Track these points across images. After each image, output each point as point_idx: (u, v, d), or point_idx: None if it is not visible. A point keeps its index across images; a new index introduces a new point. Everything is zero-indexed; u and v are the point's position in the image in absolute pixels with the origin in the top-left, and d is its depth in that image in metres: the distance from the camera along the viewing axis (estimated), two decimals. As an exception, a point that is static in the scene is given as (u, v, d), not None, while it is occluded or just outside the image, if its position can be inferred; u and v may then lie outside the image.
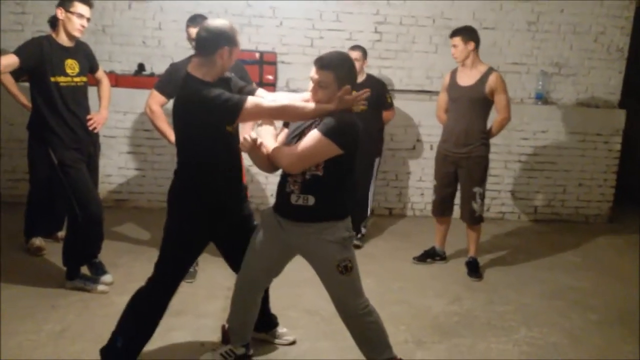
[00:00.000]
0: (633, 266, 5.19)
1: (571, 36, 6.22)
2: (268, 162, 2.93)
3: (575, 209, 6.43)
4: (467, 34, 4.58)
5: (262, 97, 3.02)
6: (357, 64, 5.00)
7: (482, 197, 4.72)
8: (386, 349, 3.09)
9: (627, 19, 6.22)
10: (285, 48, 5.99)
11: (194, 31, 3.82)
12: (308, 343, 3.59)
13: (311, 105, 2.88)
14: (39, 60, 3.87)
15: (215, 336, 3.57)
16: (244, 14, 5.89)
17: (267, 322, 3.53)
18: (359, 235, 5.26)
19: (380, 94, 5.17)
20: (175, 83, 3.99)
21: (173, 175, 3.11)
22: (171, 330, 3.61)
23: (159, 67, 5.92)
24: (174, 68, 4.28)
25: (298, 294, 4.17)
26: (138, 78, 5.77)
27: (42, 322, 3.62)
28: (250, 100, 2.84)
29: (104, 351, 3.08)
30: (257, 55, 5.86)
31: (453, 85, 4.68)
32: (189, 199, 3.03)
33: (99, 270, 4.22)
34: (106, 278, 4.19)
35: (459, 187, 4.82)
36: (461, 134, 4.59)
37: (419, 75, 6.11)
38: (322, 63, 2.82)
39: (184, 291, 4.18)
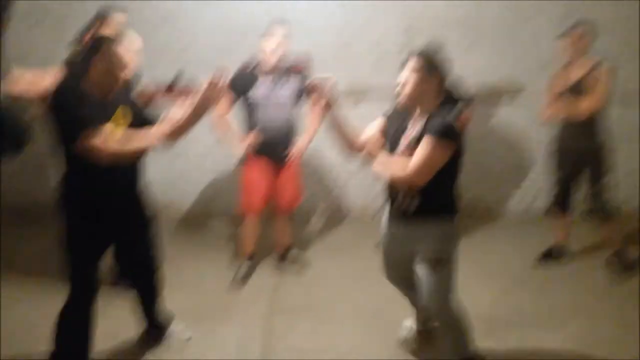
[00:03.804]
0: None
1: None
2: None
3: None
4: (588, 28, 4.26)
5: None
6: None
7: (605, 189, 4.33)
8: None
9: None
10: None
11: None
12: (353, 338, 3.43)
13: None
14: None
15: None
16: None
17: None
18: None
19: None
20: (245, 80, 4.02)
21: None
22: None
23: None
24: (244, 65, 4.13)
25: (344, 289, 4.08)
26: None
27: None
28: None
29: None
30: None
31: (563, 81, 4.33)
32: None
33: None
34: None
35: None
36: (577, 127, 4.26)
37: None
38: (416, 51, 2.77)
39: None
